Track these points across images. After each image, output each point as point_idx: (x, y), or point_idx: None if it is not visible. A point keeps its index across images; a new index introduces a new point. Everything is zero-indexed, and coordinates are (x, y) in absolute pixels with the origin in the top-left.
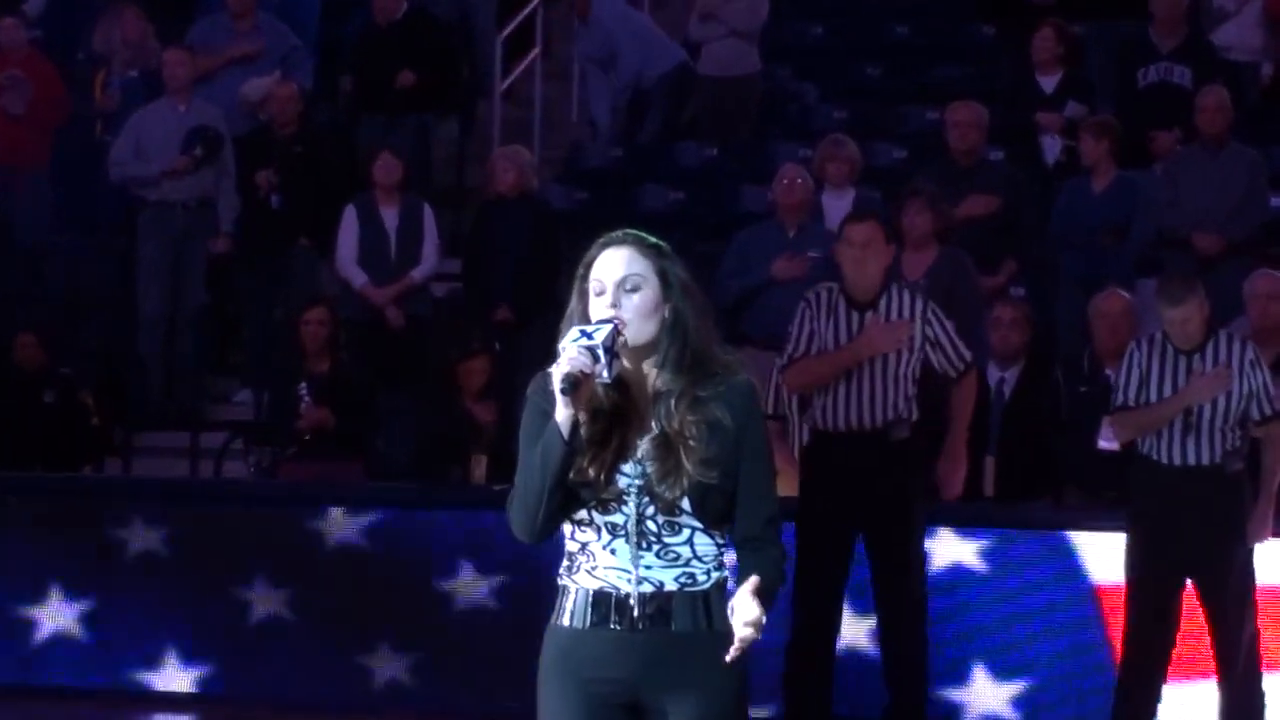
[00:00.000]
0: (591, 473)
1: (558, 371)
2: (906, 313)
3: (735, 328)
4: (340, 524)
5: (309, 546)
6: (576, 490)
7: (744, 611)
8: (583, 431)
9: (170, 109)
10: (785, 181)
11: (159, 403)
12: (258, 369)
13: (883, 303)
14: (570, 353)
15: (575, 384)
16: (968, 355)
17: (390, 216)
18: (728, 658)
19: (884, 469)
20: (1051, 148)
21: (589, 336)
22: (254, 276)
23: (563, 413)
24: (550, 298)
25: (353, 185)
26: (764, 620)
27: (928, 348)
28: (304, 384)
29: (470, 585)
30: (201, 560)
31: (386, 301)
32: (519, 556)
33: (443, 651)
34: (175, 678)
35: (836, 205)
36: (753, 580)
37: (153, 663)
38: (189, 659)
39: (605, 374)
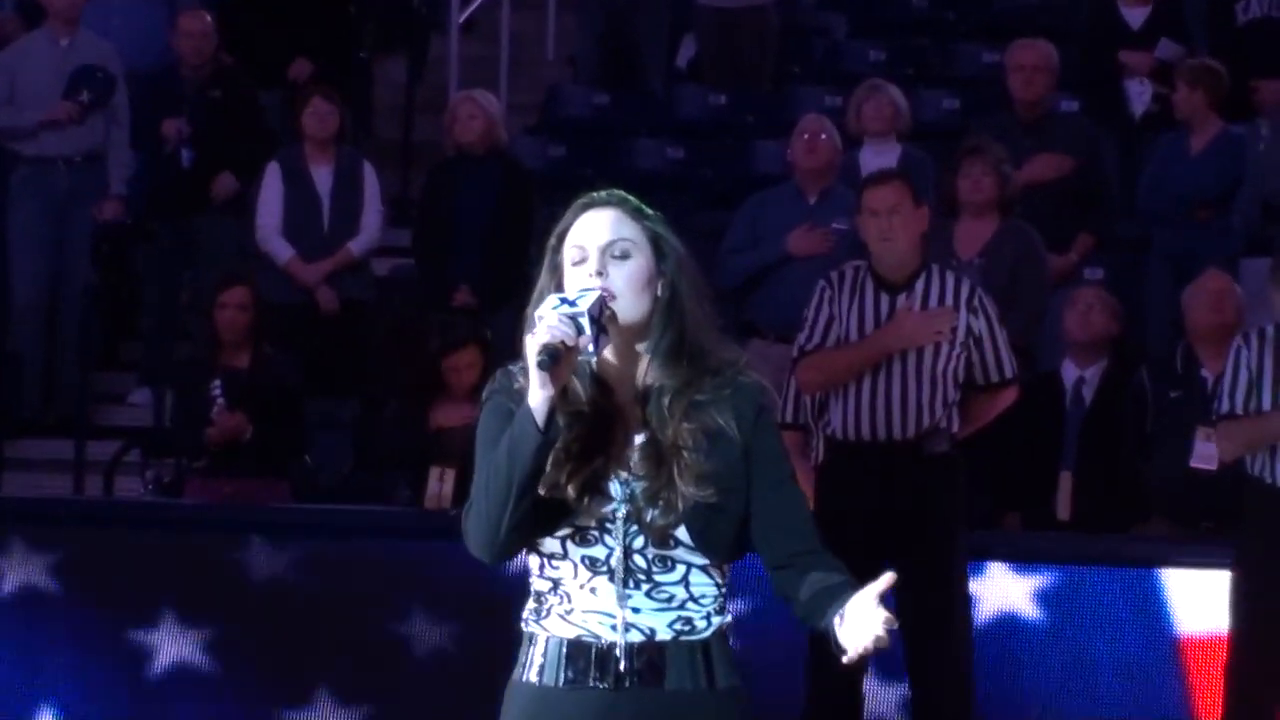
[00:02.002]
0: (571, 492)
1: (534, 343)
2: (949, 298)
3: (742, 315)
4: (262, 555)
5: (219, 584)
6: (556, 505)
7: (874, 613)
8: (560, 435)
9: (50, 44)
10: (806, 136)
11: (36, 405)
12: (158, 364)
13: (919, 284)
14: (550, 320)
15: (556, 357)
16: (1012, 367)
17: (323, 176)
18: (845, 660)
19: (916, 490)
20: (1139, 96)
21: (571, 304)
22: (155, 250)
23: (538, 395)
24: (521, 276)
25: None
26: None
27: (970, 342)
28: (217, 382)
29: (427, 628)
30: (89, 597)
31: (317, 280)
32: (489, 594)
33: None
34: None
35: (877, 163)
36: (881, 580)
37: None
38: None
39: (591, 348)
